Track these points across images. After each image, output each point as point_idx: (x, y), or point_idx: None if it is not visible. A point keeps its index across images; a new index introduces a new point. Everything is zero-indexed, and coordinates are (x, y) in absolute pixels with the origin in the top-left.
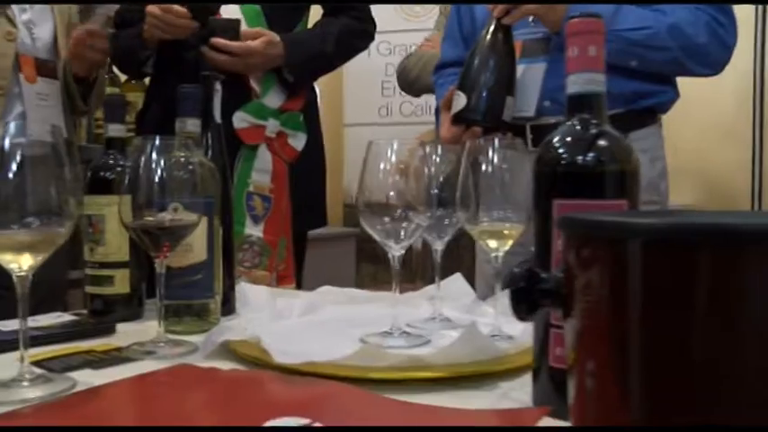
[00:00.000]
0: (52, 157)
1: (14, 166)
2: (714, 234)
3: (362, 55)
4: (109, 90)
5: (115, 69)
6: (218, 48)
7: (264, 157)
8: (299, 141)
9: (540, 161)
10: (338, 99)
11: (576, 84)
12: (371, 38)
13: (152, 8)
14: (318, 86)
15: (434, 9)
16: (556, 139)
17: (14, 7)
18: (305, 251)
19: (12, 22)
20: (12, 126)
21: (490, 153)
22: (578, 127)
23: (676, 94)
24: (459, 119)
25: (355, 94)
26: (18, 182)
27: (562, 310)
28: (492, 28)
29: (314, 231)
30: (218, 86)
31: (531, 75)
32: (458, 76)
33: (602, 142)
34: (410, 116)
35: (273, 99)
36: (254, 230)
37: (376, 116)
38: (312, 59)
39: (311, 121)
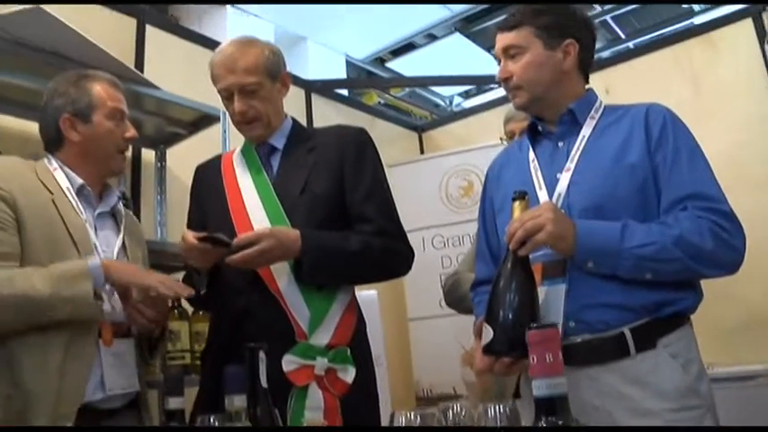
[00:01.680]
0: None
1: None
2: None
3: (418, 250)
4: (177, 324)
5: (183, 303)
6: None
7: (315, 395)
8: (348, 375)
9: None
10: (400, 295)
11: (539, 388)
12: (401, 258)
13: (188, 240)
14: (378, 287)
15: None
16: None
17: None
18: None
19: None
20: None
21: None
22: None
23: (700, 295)
24: (488, 351)
25: (415, 288)
26: None
27: None
28: (509, 258)
29: None
30: (262, 355)
31: (553, 296)
32: None
33: None
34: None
35: (320, 337)
36: None
37: (437, 309)
38: (328, 253)
39: (360, 351)
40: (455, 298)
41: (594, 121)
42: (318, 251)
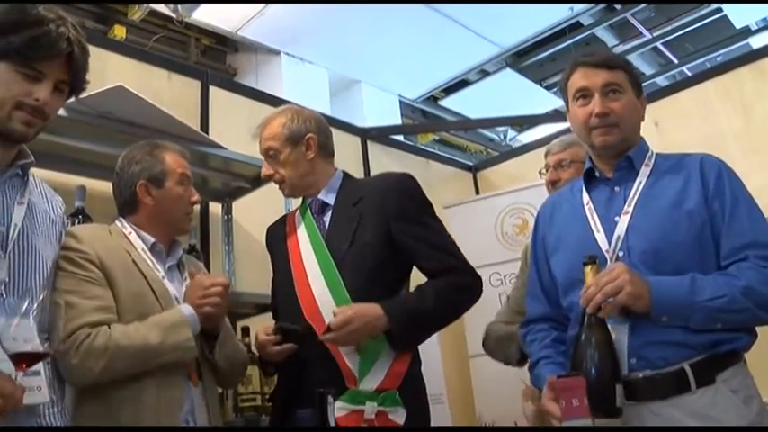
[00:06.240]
0: None
1: None
2: None
3: None
4: (248, 368)
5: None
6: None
7: None
8: (399, 416)
9: None
10: (461, 332)
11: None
12: (474, 290)
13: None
14: None
15: None
16: None
17: None
18: None
19: None
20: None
21: None
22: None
23: (754, 335)
24: None
25: (475, 326)
26: None
27: None
28: (587, 321)
29: None
30: (330, 399)
31: (617, 335)
32: (546, 332)
33: None
34: None
35: (370, 382)
36: None
37: None
38: (413, 317)
39: (413, 392)
40: (488, 350)
41: (649, 169)
42: (403, 319)
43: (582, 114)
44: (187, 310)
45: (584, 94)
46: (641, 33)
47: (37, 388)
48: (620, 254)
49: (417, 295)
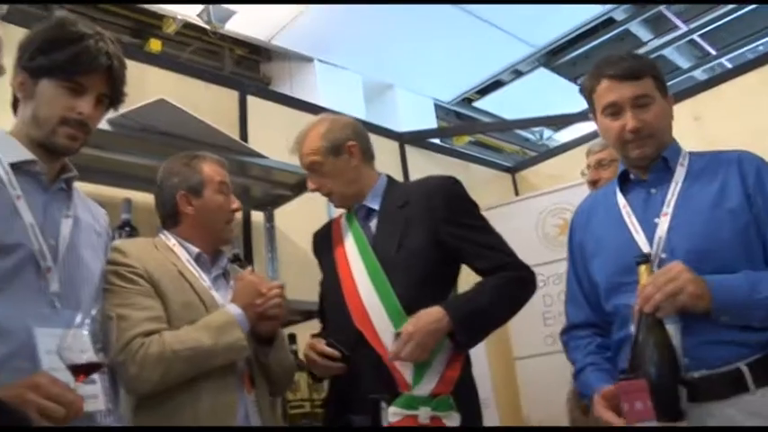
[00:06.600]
0: None
1: None
2: None
3: None
4: (297, 375)
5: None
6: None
7: None
8: (453, 421)
9: None
10: (506, 335)
11: None
12: (529, 284)
13: (310, 353)
14: None
15: None
16: None
17: None
18: None
19: None
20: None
21: None
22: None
23: None
24: None
25: (520, 328)
26: None
27: None
28: (644, 322)
29: None
30: (383, 405)
31: (671, 334)
32: (590, 339)
33: None
34: None
35: (424, 387)
36: None
37: (543, 346)
38: (474, 314)
39: (466, 395)
40: None
41: (684, 169)
42: (465, 317)
43: (615, 129)
44: (235, 309)
45: (614, 110)
46: (676, 26)
47: (93, 396)
48: (663, 255)
49: (475, 293)
